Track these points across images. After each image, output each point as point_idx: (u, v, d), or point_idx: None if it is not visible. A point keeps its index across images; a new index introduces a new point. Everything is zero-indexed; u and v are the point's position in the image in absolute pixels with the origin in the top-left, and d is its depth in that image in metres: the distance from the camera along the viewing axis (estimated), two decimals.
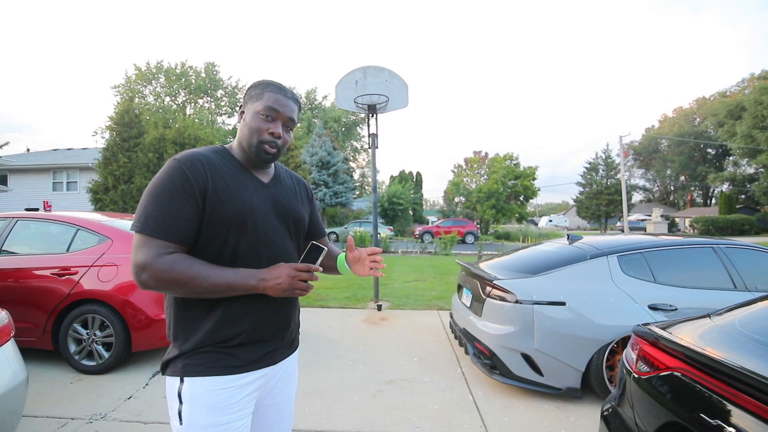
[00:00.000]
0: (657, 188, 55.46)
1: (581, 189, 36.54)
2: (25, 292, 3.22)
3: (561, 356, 2.69)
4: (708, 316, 1.45)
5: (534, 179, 29.42)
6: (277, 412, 1.14)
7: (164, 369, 1.02)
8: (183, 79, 38.70)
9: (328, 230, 21.13)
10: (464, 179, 32.42)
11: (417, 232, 23.08)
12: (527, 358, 2.75)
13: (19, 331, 2.22)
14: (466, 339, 3.28)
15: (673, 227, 32.05)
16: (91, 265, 3.19)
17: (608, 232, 30.19)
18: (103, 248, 3.28)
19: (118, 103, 20.78)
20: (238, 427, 0.99)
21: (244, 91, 1.12)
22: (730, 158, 41.00)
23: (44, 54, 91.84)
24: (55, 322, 3.20)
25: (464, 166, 33.41)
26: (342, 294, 6.45)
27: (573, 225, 48.59)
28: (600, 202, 33.93)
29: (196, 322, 0.99)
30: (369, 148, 5.84)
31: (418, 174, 39.82)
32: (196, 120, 33.44)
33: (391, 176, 39.63)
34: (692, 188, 48.94)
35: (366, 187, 42.03)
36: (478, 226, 28.00)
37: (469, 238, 21.88)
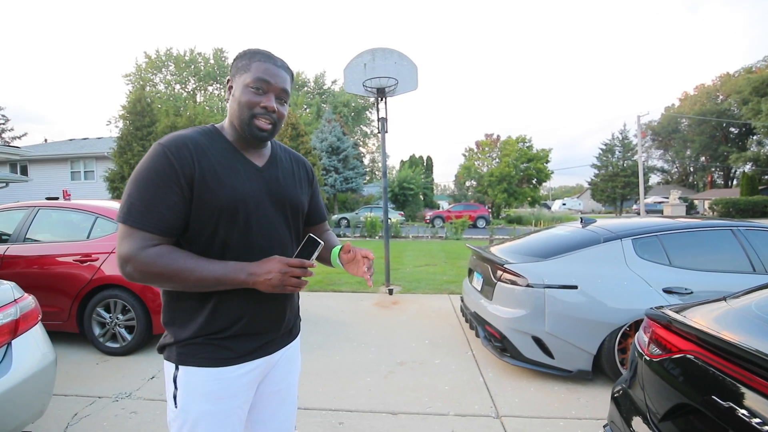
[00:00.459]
0: (676, 170, 53.81)
1: (596, 171, 35.72)
2: (50, 278, 3.36)
3: (572, 339, 2.69)
4: (724, 299, 1.43)
5: (547, 162, 28.85)
6: (279, 399, 1.12)
7: (161, 350, 1.01)
8: (192, 66, 38.71)
9: (338, 216, 21.23)
10: (475, 163, 32.00)
11: (428, 217, 23.02)
12: (538, 341, 2.76)
13: (46, 315, 2.32)
14: (476, 322, 3.31)
15: (691, 210, 31.21)
16: (111, 252, 3.30)
17: (624, 215, 29.62)
18: None
19: (130, 92, 21.04)
20: (234, 414, 0.98)
21: (230, 64, 1.01)
22: (754, 137, 39.34)
23: (55, 45, 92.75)
24: (80, 306, 3.33)
25: (475, 150, 32.93)
26: (353, 279, 6.53)
27: (587, 208, 47.75)
28: (616, 184, 33.16)
29: (188, 314, 0.97)
30: (378, 132, 5.79)
31: (429, 158, 39.48)
32: (207, 107, 33.58)
33: (402, 161, 39.43)
34: (713, 169, 47.31)
35: (376, 173, 41.88)
36: (490, 210, 27.77)
37: (481, 223, 21.73)
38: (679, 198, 25.47)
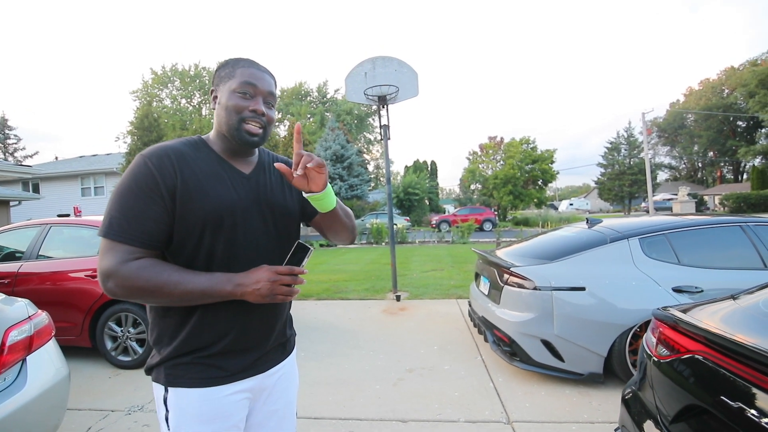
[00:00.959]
0: (684, 166, 53.12)
1: (602, 170, 35.42)
2: (63, 293, 3.42)
3: (582, 342, 2.67)
4: (732, 297, 1.41)
5: (552, 162, 28.69)
6: (277, 419, 1.07)
7: (148, 372, 0.97)
8: (197, 81, 39.34)
9: None
10: (480, 166, 31.93)
11: (434, 222, 22.98)
12: (547, 345, 2.74)
13: (59, 331, 2.37)
14: (485, 327, 3.29)
15: (701, 206, 30.73)
16: None
17: (632, 214, 29.27)
18: None
19: (138, 108, 21.42)
20: None
21: (213, 74, 1.00)
22: (763, 130, 38.75)
23: (65, 65, 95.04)
24: (92, 321, 3.38)
25: (479, 153, 32.88)
26: (361, 286, 6.54)
27: (595, 208, 47.27)
28: (623, 182, 32.83)
29: (174, 329, 0.93)
30: (382, 139, 5.83)
31: (433, 163, 39.52)
32: (212, 120, 34.02)
33: (406, 166, 39.50)
34: (722, 164, 46.60)
35: (381, 179, 41.98)
36: (496, 212, 27.61)
37: (487, 226, 21.63)
38: (689, 194, 25.10)
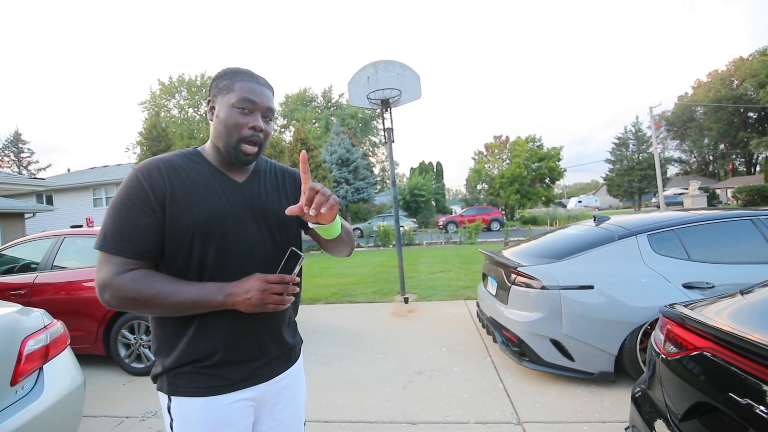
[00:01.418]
0: (694, 159, 52.23)
1: (611, 166, 35.04)
2: (77, 303, 3.49)
3: (592, 340, 2.64)
4: (740, 292, 1.40)
5: (559, 160, 28.46)
6: (283, 430, 1.06)
7: (154, 380, 0.98)
8: (203, 90, 39.87)
9: (352, 226, 21.27)
10: (486, 165, 31.80)
11: (441, 223, 22.92)
12: (557, 344, 2.72)
13: (73, 339, 2.42)
14: (493, 327, 3.28)
15: (713, 199, 30.16)
16: None
17: (643, 210, 28.84)
18: None
19: (146, 119, 21.81)
20: None
21: (210, 84, 0.99)
22: None
23: (76, 80, 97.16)
24: (105, 329, 3.45)
25: (485, 152, 32.75)
26: (369, 289, 6.55)
27: (604, 204, 46.71)
28: (632, 178, 32.44)
29: (172, 340, 0.94)
30: (386, 142, 5.86)
31: (439, 164, 39.44)
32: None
33: (411, 168, 39.48)
34: (733, 156, 45.70)
35: (387, 181, 42.01)
36: (503, 212, 27.44)
37: (495, 226, 21.51)
38: (700, 188, 24.67)
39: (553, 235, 3.75)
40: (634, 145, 33.47)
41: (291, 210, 0.87)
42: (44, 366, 1.88)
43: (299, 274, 0.96)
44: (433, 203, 32.67)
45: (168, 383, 0.93)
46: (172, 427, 0.94)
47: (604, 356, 2.63)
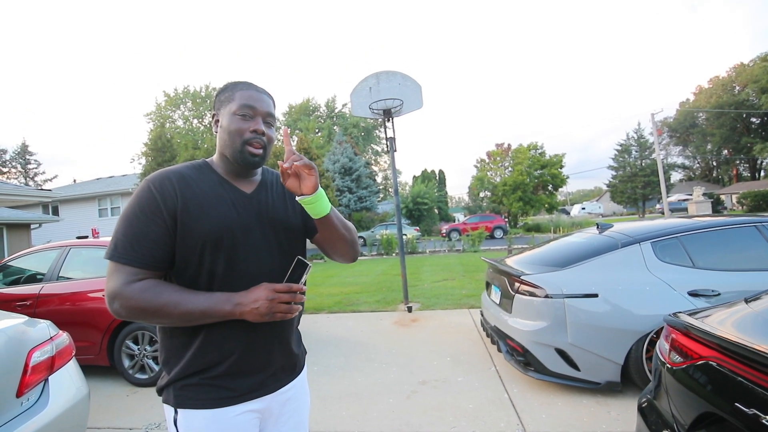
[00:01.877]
0: (698, 165, 52.01)
1: (614, 173, 34.97)
2: (82, 313, 3.51)
3: (597, 350, 2.62)
4: (744, 300, 1.39)
5: (561, 167, 28.43)
6: None
7: (159, 393, 0.98)
8: (208, 101, 40.40)
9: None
10: (488, 173, 31.82)
11: (444, 231, 22.89)
12: (562, 353, 2.70)
13: (78, 350, 2.43)
14: (497, 336, 3.26)
15: (718, 205, 29.96)
16: None
17: (647, 216, 28.67)
18: None
19: (152, 130, 22.10)
20: None
21: (213, 99, 1.04)
22: None
23: (82, 92, 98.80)
24: (110, 339, 3.46)
25: (487, 160, 32.80)
26: (372, 298, 6.53)
27: (608, 211, 46.46)
28: (635, 184, 32.33)
29: (180, 350, 0.94)
30: (388, 151, 5.90)
31: (441, 172, 39.55)
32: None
33: (414, 176, 39.60)
34: (737, 162, 45.50)
35: (390, 190, 42.14)
36: (506, 219, 27.37)
37: (498, 233, 21.46)
38: (704, 194, 24.50)
39: (556, 243, 3.75)
40: (636, 151, 33.43)
41: (280, 164, 0.90)
42: (50, 377, 1.88)
43: (305, 284, 0.96)
44: (436, 211, 32.67)
45: (174, 395, 0.94)
46: None
47: (610, 365, 2.61)
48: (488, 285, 3.81)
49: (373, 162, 42.62)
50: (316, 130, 40.37)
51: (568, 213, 36.38)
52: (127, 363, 3.45)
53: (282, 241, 1.03)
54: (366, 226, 27.28)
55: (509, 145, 31.86)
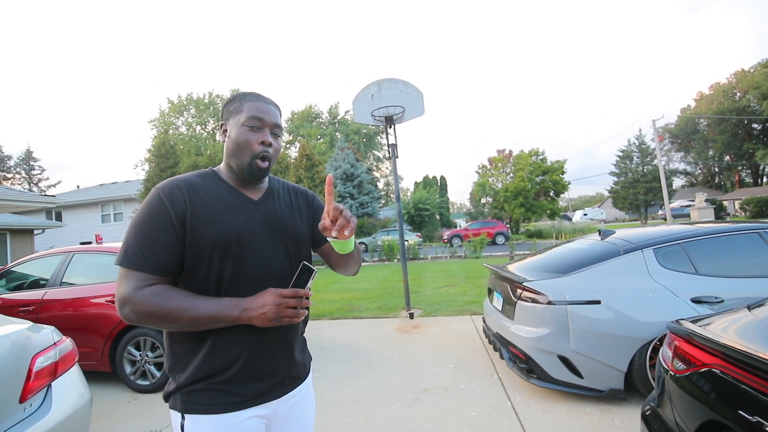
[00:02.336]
0: (700, 171, 51.93)
1: (615, 179, 34.93)
2: (85, 319, 3.51)
3: (600, 357, 2.61)
4: (747, 307, 1.39)
5: (563, 173, 28.43)
6: None
7: (166, 399, 0.99)
8: (211, 108, 40.73)
9: (357, 240, 21.30)
10: (489, 179, 31.84)
11: (445, 237, 22.87)
12: (564, 361, 2.68)
13: (80, 356, 2.43)
14: (500, 343, 3.24)
15: (720, 211, 29.84)
16: None
17: (650, 222, 28.58)
18: None
19: (155, 137, 22.26)
20: None
21: (221, 109, 1.06)
22: None
23: (87, 99, 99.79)
24: (112, 345, 3.46)
25: (489, 166, 32.85)
26: (374, 304, 6.51)
27: (610, 217, 46.33)
28: (637, 191, 32.26)
29: (188, 355, 0.95)
30: (390, 158, 5.93)
31: (443, 178, 39.68)
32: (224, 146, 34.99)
33: (415, 182, 39.72)
34: (739, 168, 45.42)
35: (391, 196, 42.21)
36: (508, 225, 27.34)
37: (500, 239, 21.43)
38: (706, 200, 24.42)
39: (558, 249, 3.74)
40: (638, 157, 33.41)
41: (322, 226, 0.91)
42: (53, 383, 1.89)
43: (310, 289, 0.98)
44: (438, 217, 32.68)
45: (182, 401, 0.94)
46: None
47: (614, 373, 2.59)
48: (490, 291, 3.80)
49: (374, 168, 42.75)
50: (319, 137, 40.59)
51: (570, 219, 36.34)
52: (128, 369, 3.44)
53: (289, 247, 1.05)
54: (367, 232, 27.28)
55: (511, 151, 31.90)
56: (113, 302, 3.46)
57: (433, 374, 3.40)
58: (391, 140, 5.79)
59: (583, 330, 2.64)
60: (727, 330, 1.24)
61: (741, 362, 1.06)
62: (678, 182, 46.70)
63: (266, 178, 1.11)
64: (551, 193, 29.29)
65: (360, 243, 20.85)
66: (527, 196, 27.87)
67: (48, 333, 2.02)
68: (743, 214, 27.67)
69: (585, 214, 45.54)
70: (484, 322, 3.89)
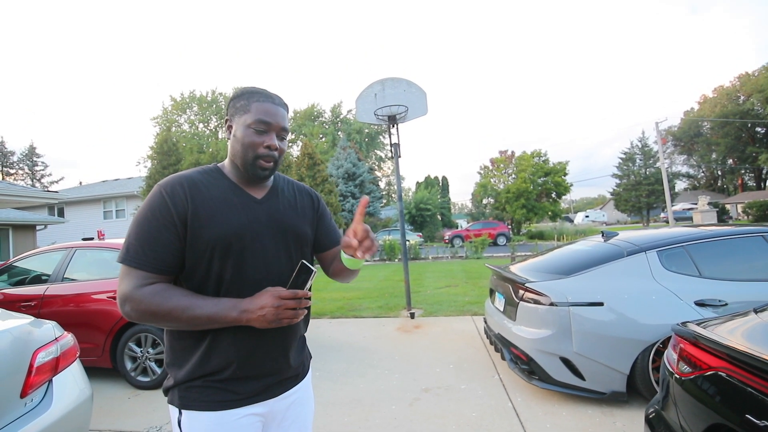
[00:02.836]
0: (702, 174, 51.78)
1: (618, 181, 34.86)
2: (86, 315, 3.52)
3: (602, 359, 2.59)
4: (753, 311, 1.37)
5: (565, 174, 28.39)
6: None
7: (165, 393, 0.99)
8: (214, 106, 40.82)
9: None
10: (491, 180, 31.81)
11: (447, 237, 22.85)
12: (566, 362, 2.67)
13: (81, 352, 2.43)
14: (501, 344, 3.23)
15: (723, 215, 29.73)
16: None
17: (652, 225, 28.51)
18: None
19: (158, 134, 22.30)
20: None
21: (227, 104, 1.03)
22: None
23: (90, 96, 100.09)
24: (113, 341, 3.46)
25: (490, 167, 32.82)
26: (375, 303, 6.51)
27: (612, 219, 46.21)
28: (640, 193, 32.19)
29: (186, 353, 0.95)
30: (392, 157, 5.92)
31: (444, 178, 39.64)
32: (227, 144, 35.11)
33: (417, 182, 39.70)
34: (742, 171, 45.25)
35: (393, 195, 42.20)
36: (510, 227, 27.30)
37: (501, 240, 21.39)
38: (709, 203, 24.37)
39: (561, 250, 3.73)
40: (640, 159, 33.33)
41: (345, 243, 0.95)
42: (54, 378, 1.89)
43: (310, 289, 0.97)
44: (439, 217, 32.66)
45: (179, 396, 0.95)
46: None
47: (616, 375, 2.58)
48: (492, 292, 3.79)
49: (376, 168, 42.76)
50: (321, 136, 40.62)
51: (571, 221, 36.26)
52: (129, 365, 3.45)
53: (291, 247, 1.04)
54: None
55: (513, 152, 31.90)
56: (114, 298, 3.46)
57: (433, 374, 3.39)
58: (394, 140, 5.78)
59: (585, 332, 2.63)
60: (734, 333, 1.23)
61: (749, 365, 1.05)
62: (680, 185, 46.60)
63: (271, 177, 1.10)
64: (553, 195, 29.25)
65: None
66: (529, 198, 27.84)
67: (49, 328, 2.02)
68: (746, 217, 27.53)
69: (587, 216, 45.41)
70: (486, 322, 3.87)
